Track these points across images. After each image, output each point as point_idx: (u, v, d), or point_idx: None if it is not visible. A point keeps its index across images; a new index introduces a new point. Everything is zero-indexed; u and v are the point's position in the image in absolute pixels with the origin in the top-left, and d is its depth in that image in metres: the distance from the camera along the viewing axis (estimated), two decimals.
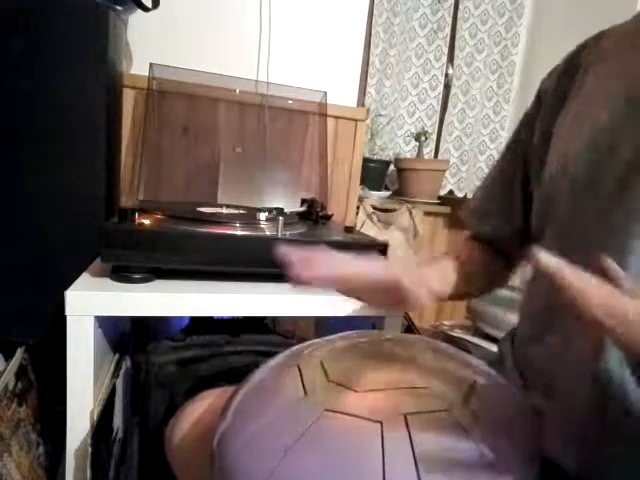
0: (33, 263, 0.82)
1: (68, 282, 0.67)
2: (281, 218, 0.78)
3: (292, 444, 0.34)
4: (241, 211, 0.95)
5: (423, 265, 0.52)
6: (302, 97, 1.22)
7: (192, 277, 0.75)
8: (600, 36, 0.53)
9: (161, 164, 1.12)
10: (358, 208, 1.44)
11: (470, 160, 1.81)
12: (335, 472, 0.33)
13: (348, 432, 0.35)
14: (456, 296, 0.55)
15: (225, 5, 1.23)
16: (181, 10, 1.19)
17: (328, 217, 1.02)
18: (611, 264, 0.35)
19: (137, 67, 1.15)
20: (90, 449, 0.64)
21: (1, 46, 0.77)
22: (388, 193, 1.66)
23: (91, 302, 0.65)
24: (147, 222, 0.74)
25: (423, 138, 1.65)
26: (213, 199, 1.16)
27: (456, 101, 1.77)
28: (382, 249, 0.81)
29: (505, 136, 1.81)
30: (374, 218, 1.51)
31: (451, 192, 1.81)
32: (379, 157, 1.69)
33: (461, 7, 1.72)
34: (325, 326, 1.11)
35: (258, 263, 0.74)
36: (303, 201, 1.10)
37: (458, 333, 1.41)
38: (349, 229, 0.91)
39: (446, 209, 1.62)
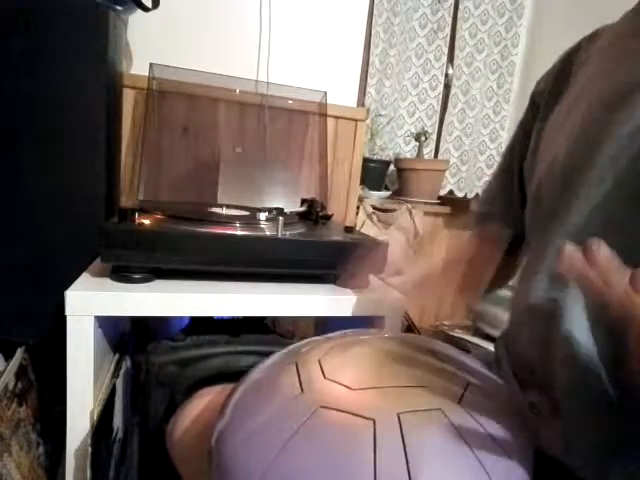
0: (33, 263, 0.82)
1: (68, 282, 0.67)
2: (281, 218, 0.77)
3: (287, 440, 0.35)
4: (241, 211, 0.95)
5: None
6: (302, 97, 1.22)
7: (192, 277, 0.75)
8: (593, 36, 0.53)
9: (161, 164, 1.12)
10: (358, 208, 1.44)
11: (470, 160, 1.81)
12: (327, 468, 0.33)
13: (341, 428, 0.35)
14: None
15: (225, 5, 1.24)
16: (181, 10, 1.20)
17: (328, 217, 1.02)
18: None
19: (137, 67, 1.15)
20: (90, 449, 0.64)
21: (1, 46, 0.77)
22: (388, 193, 1.66)
23: (91, 302, 0.65)
24: (147, 222, 0.74)
25: (423, 138, 1.65)
26: (213, 199, 1.16)
27: (456, 101, 1.77)
28: (382, 250, 0.81)
29: (505, 136, 1.81)
30: (374, 218, 1.51)
31: (451, 192, 1.81)
32: (379, 157, 1.70)
33: (461, 7, 1.72)
34: (325, 326, 1.11)
35: (258, 263, 0.74)
36: (303, 201, 1.10)
37: (458, 333, 1.41)
38: (349, 229, 0.91)
39: (446, 209, 1.62)
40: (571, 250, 0.29)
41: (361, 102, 1.61)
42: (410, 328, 1.35)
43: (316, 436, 0.35)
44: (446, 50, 1.74)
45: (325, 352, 0.45)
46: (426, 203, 1.59)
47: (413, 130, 1.75)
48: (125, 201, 1.11)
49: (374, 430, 0.34)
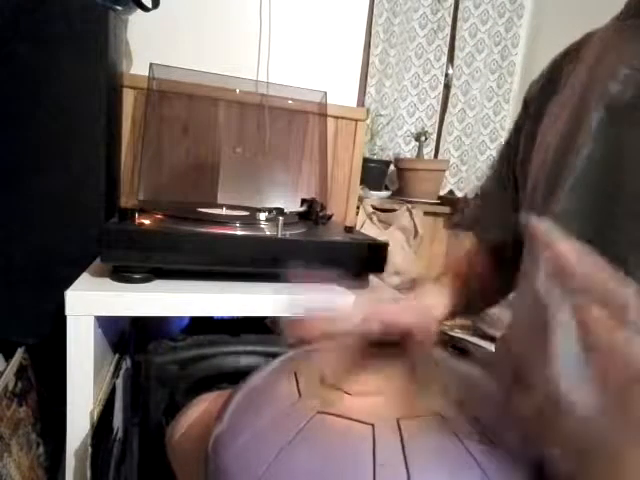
0: (33, 263, 0.82)
1: (68, 282, 0.67)
2: (281, 218, 0.77)
3: (284, 445, 0.34)
4: (241, 211, 0.95)
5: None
6: (302, 97, 1.22)
7: (192, 277, 0.75)
8: (581, 42, 0.53)
9: (161, 164, 1.12)
10: (358, 208, 1.44)
11: (470, 160, 1.81)
12: (326, 474, 0.33)
13: (340, 434, 0.35)
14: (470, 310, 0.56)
15: (225, 5, 1.24)
16: (181, 10, 1.19)
17: (328, 217, 1.02)
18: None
19: (137, 67, 1.15)
20: (90, 449, 0.64)
21: (1, 46, 0.77)
22: (388, 193, 1.66)
23: (91, 302, 0.65)
24: (147, 222, 0.74)
25: (423, 138, 1.65)
26: (213, 199, 1.16)
27: (456, 101, 1.77)
28: (382, 250, 0.81)
29: (505, 136, 1.81)
30: (374, 218, 1.51)
31: (451, 192, 1.81)
32: (379, 157, 1.70)
33: (461, 7, 1.72)
34: None
35: (258, 263, 0.74)
36: (303, 201, 1.10)
37: (458, 333, 1.41)
38: (349, 229, 0.91)
39: (446, 209, 1.62)
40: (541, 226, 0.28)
41: (361, 102, 1.61)
42: None
43: (314, 442, 0.35)
44: (446, 50, 1.74)
45: (324, 357, 0.45)
46: (426, 203, 1.59)
47: (413, 130, 1.75)
48: (125, 201, 1.11)
49: (373, 436, 0.34)
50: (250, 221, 0.82)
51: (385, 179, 1.71)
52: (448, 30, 1.72)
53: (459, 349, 1.25)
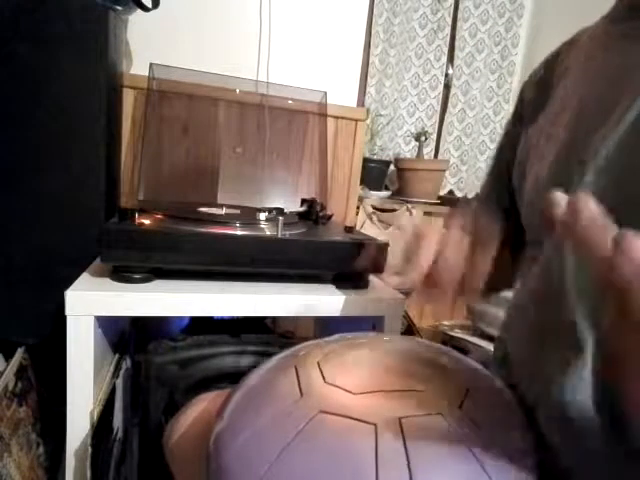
0: (33, 263, 0.82)
1: (68, 282, 0.67)
2: (281, 218, 0.77)
3: (286, 445, 0.34)
4: (241, 211, 0.95)
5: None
6: (302, 97, 1.22)
7: (192, 277, 0.75)
8: (572, 41, 0.53)
9: (161, 164, 1.12)
10: (358, 208, 1.44)
11: (470, 160, 1.81)
12: (327, 473, 0.32)
13: (342, 433, 0.35)
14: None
15: (225, 5, 1.24)
16: (181, 10, 1.20)
17: (328, 217, 1.02)
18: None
19: (137, 67, 1.15)
20: (90, 449, 0.64)
21: (1, 46, 0.77)
22: (388, 193, 1.66)
23: (91, 302, 0.65)
24: (147, 222, 0.74)
25: (423, 138, 1.65)
26: (213, 199, 1.16)
27: (456, 101, 1.77)
28: (382, 250, 0.81)
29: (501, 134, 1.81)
30: (374, 218, 1.51)
31: (451, 192, 1.81)
32: (379, 157, 1.70)
33: (461, 7, 1.72)
34: (325, 326, 1.11)
35: (258, 263, 0.74)
36: (303, 201, 1.10)
37: (458, 333, 1.42)
38: (349, 229, 0.91)
39: (446, 209, 1.62)
40: (561, 197, 0.26)
41: (361, 102, 1.61)
42: (410, 328, 1.35)
43: (316, 441, 0.34)
44: (446, 50, 1.74)
45: (325, 355, 0.44)
46: (426, 203, 1.59)
47: (413, 130, 1.75)
48: (125, 201, 1.11)
49: (375, 435, 0.34)
50: (250, 221, 0.82)
51: (385, 179, 1.71)
52: (448, 30, 1.72)
53: (459, 349, 1.26)
